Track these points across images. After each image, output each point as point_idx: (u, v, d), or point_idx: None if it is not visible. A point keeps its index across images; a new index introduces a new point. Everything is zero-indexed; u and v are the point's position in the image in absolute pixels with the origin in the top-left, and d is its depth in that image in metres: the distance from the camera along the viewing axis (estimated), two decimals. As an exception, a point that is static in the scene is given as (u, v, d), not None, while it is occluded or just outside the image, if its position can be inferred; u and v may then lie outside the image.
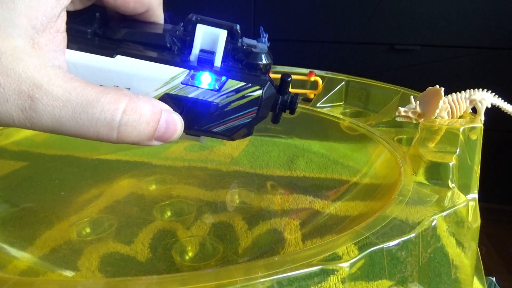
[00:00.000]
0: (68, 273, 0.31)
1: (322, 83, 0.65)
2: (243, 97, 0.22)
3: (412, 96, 0.43)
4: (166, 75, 0.21)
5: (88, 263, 0.32)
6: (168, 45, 0.22)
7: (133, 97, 0.19)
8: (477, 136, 0.38)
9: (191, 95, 0.22)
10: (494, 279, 0.58)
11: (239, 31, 0.23)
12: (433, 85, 0.41)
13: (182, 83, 0.21)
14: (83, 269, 0.31)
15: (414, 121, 0.42)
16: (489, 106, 0.43)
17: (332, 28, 1.20)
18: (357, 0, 1.16)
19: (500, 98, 0.44)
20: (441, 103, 0.40)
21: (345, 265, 0.23)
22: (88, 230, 0.37)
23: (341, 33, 1.20)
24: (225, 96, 0.22)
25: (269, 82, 0.23)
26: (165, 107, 0.20)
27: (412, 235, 0.26)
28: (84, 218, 0.38)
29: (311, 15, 1.20)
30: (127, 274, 0.31)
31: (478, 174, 0.36)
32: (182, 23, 0.23)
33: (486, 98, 0.42)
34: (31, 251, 0.33)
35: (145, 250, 0.34)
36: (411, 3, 1.14)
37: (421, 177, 0.34)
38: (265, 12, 1.22)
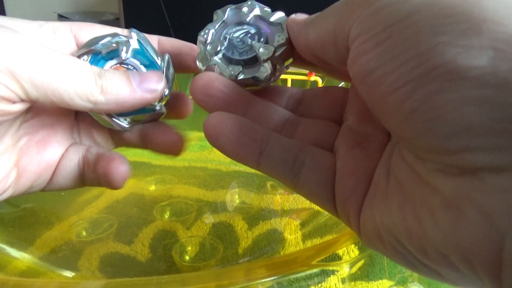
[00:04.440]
0: (68, 274, 0.31)
1: (322, 83, 0.65)
2: None
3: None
4: None
5: (88, 264, 0.32)
6: None
7: None
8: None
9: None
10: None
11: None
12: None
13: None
14: (83, 269, 0.31)
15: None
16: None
17: (332, 27, 1.20)
18: None
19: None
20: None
21: (345, 265, 0.23)
22: (88, 230, 0.37)
23: (341, 33, 1.20)
24: None
25: None
26: None
27: (412, 235, 0.26)
28: (84, 218, 0.38)
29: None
30: (127, 274, 0.31)
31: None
32: None
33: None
34: (31, 251, 0.33)
35: (145, 250, 0.34)
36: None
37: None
38: (265, 11, 1.22)
